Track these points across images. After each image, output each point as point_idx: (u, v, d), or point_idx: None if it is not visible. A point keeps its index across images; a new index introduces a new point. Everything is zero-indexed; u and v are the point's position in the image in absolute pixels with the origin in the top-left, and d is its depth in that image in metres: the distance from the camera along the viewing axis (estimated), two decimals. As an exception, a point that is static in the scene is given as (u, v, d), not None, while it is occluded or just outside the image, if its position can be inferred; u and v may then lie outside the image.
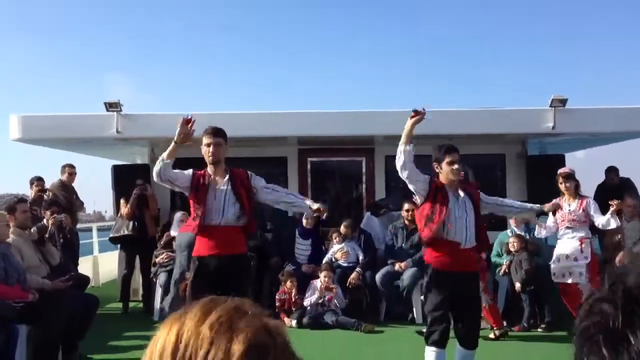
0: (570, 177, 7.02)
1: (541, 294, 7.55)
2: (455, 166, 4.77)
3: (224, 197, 4.84)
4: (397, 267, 7.97)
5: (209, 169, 4.95)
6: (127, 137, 8.51)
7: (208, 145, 4.88)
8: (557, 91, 8.36)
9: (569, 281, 6.86)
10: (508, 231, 8.02)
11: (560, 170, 7.18)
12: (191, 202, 4.93)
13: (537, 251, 7.85)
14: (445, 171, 4.82)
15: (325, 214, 5.10)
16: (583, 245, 6.80)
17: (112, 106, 8.23)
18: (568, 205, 6.92)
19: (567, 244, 6.90)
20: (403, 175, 4.84)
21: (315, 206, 4.94)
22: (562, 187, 6.98)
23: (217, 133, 4.92)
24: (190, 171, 4.97)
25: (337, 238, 8.29)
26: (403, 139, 4.77)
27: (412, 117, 4.78)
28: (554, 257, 7.03)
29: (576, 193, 6.97)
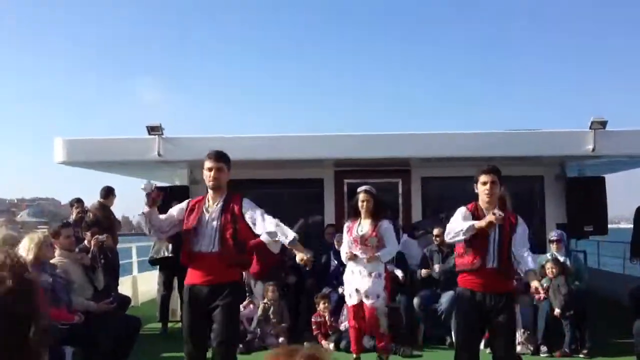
0: None
1: (582, 318, 7.42)
2: (488, 187, 4.80)
3: (214, 224, 4.65)
4: (423, 273, 8.07)
5: (209, 194, 4.79)
6: (168, 160, 8.68)
7: (210, 169, 4.73)
8: (595, 113, 8.23)
9: None
10: (548, 255, 7.91)
11: None
12: (186, 226, 4.74)
13: (576, 275, 7.73)
14: (479, 191, 4.91)
15: (308, 267, 5.10)
16: None
17: (153, 130, 8.41)
18: None
19: None
20: (449, 241, 5.08)
21: (299, 256, 4.72)
22: None
23: (219, 157, 4.77)
24: (183, 204, 4.89)
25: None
26: (465, 229, 4.71)
27: (491, 221, 4.61)
28: None
29: None
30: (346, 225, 6.79)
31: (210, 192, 4.79)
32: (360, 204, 6.56)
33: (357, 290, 6.47)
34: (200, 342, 4.69)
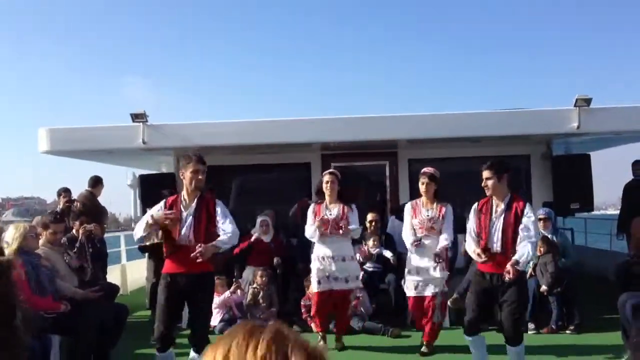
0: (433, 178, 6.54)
1: (569, 295, 7.49)
2: (485, 184, 5.41)
3: (190, 219, 5.10)
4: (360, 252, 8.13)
5: (185, 193, 5.20)
6: (153, 147, 8.63)
7: (196, 172, 5.09)
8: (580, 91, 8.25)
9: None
10: (534, 233, 7.95)
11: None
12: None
13: (563, 252, 7.79)
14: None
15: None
16: None
17: (137, 117, 8.34)
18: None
19: None
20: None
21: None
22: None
23: (204, 161, 5.16)
24: (161, 203, 5.27)
25: (374, 242, 8.27)
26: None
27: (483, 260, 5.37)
28: None
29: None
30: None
31: (186, 190, 5.19)
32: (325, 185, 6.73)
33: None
34: (172, 324, 5.23)
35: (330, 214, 6.62)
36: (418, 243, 6.38)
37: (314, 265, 6.72)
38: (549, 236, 7.78)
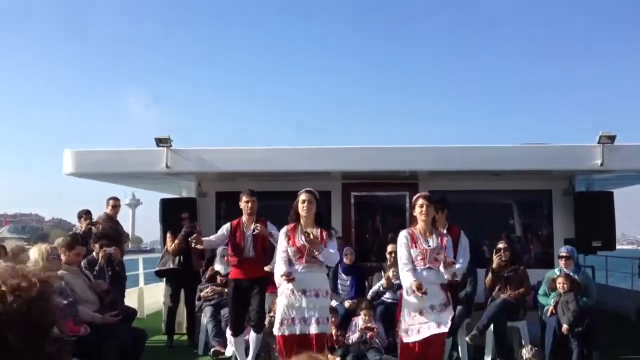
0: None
1: (590, 335, 7.35)
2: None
3: (250, 239, 6.89)
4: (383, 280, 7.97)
5: (245, 218, 6.96)
6: (176, 172, 8.71)
7: (247, 202, 6.91)
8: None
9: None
10: (556, 270, 7.86)
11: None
12: (230, 241, 7.00)
13: (585, 291, 7.67)
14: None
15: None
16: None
17: (162, 142, 8.44)
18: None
19: None
20: None
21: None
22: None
23: (254, 193, 7.01)
24: (227, 225, 7.06)
25: (394, 272, 8.13)
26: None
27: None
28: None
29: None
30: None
31: (245, 216, 6.95)
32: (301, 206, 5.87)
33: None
34: (241, 315, 7.06)
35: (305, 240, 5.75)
36: (424, 292, 5.36)
37: (280, 301, 5.80)
38: (571, 274, 7.67)
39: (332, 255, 5.78)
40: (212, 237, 7.14)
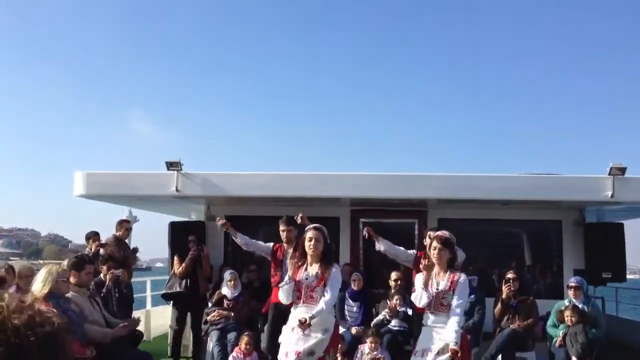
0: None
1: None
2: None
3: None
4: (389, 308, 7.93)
5: (285, 245, 7.41)
6: (186, 195, 8.75)
7: (283, 230, 7.47)
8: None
9: None
10: (565, 301, 7.80)
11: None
12: (272, 264, 7.48)
13: (594, 323, 7.60)
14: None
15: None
16: None
17: (172, 165, 8.51)
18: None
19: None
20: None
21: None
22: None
23: (290, 222, 7.46)
24: (270, 244, 7.54)
25: (398, 300, 8.09)
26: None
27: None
28: None
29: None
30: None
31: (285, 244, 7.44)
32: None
33: None
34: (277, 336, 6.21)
35: (307, 278, 5.71)
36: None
37: (283, 338, 5.78)
38: (580, 306, 7.61)
39: (328, 303, 5.68)
40: (254, 240, 7.68)
